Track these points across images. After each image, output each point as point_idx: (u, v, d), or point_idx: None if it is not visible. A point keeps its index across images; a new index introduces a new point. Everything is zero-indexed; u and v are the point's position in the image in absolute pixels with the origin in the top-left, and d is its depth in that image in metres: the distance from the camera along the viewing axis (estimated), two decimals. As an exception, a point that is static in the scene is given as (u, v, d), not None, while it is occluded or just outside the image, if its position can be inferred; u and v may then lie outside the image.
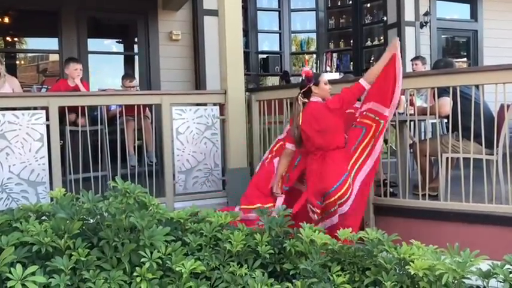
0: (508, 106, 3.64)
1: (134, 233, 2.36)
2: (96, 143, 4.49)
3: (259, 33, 8.72)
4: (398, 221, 3.80)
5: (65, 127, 4.22)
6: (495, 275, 2.03)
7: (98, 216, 2.45)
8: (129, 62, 7.20)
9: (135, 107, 4.33)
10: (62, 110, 4.09)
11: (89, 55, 6.59)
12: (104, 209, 2.40)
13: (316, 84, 3.62)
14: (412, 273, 2.04)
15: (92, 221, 2.51)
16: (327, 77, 3.81)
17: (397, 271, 2.19)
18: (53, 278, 2.01)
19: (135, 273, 2.13)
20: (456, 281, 1.91)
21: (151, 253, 2.20)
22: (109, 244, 2.26)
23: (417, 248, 2.20)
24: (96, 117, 4.56)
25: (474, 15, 8.34)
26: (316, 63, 8.93)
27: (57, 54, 6.54)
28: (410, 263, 2.07)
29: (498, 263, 2.17)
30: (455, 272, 1.89)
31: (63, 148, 4.40)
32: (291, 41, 8.95)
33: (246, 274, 2.21)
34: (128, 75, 5.65)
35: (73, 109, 4.27)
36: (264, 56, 8.82)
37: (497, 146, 3.59)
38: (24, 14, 6.35)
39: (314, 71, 7.96)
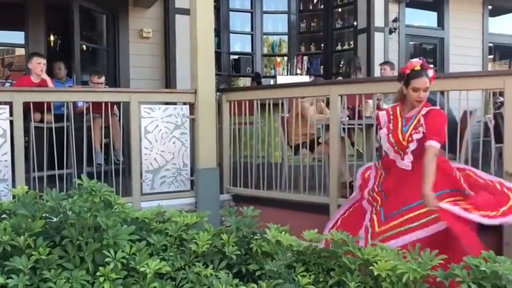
0: (471, 112, 3.75)
1: (98, 232, 2.32)
2: (61, 140, 4.39)
3: (231, 34, 8.72)
4: (363, 223, 3.85)
5: (30, 123, 4.12)
6: (454, 276, 2.09)
7: (62, 215, 2.40)
8: (97, 58, 7.08)
9: (103, 104, 4.26)
10: (26, 106, 3.99)
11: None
12: (68, 207, 2.34)
13: (406, 85, 3.09)
14: (375, 274, 2.08)
15: (55, 219, 2.45)
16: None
17: (361, 272, 2.23)
18: (11, 278, 1.96)
19: (98, 273, 2.09)
20: (417, 281, 1.96)
21: (116, 253, 2.16)
22: (72, 243, 2.21)
23: (381, 249, 2.24)
24: (62, 114, 4.46)
25: (441, 23, 8.57)
26: (287, 65, 9.00)
27: (23, 49, 6.38)
28: (374, 264, 2.10)
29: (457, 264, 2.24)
30: (415, 271, 1.93)
31: (27, 145, 4.29)
32: (262, 43, 8.98)
33: (211, 275, 2.20)
34: (96, 71, 5.55)
35: (38, 106, 4.18)
36: (236, 56, 8.82)
37: (459, 151, 3.70)
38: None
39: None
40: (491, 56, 9.54)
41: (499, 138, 3.82)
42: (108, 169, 4.42)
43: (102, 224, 2.25)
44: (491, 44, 9.13)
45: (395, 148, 3.10)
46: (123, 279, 2.13)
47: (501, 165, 3.44)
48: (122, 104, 4.55)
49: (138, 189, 4.32)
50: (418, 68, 3.00)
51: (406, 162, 3.07)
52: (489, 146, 5.23)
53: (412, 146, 3.02)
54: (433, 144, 2.91)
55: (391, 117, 3.16)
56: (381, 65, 6.35)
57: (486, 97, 6.52)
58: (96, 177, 3.99)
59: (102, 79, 5.41)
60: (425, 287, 2.01)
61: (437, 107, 3.21)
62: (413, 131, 3.02)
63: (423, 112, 3.03)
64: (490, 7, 8.89)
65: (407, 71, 3.04)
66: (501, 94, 3.58)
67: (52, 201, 2.34)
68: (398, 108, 3.16)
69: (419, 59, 3.13)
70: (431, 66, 3.06)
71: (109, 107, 4.33)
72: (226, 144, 4.94)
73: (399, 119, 3.12)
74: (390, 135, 3.11)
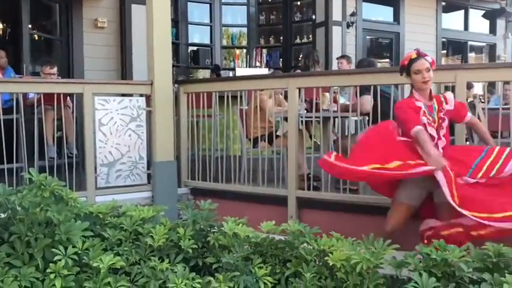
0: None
1: (49, 228, 2.25)
2: (11, 133, 4.22)
3: (189, 25, 8.61)
4: (320, 214, 3.91)
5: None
6: (407, 265, 2.14)
7: (10, 211, 2.30)
8: (50, 48, 6.83)
9: (55, 95, 4.12)
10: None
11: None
12: (16, 202, 2.26)
13: (408, 74, 3.16)
14: (330, 264, 2.10)
15: (3, 215, 2.36)
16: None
17: (317, 262, 2.25)
18: (-45, 277, 1.87)
19: (48, 270, 2.03)
20: (370, 271, 2.00)
21: (66, 249, 2.10)
22: (21, 239, 2.14)
23: (337, 240, 2.28)
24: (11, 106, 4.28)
25: (397, 18, 8.77)
26: (246, 58, 8.98)
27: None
28: (329, 255, 2.13)
29: (411, 253, 2.30)
30: (369, 261, 1.97)
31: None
32: (222, 35, 8.92)
33: (167, 269, 2.18)
34: (48, 61, 5.34)
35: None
36: (195, 48, 8.72)
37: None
38: None
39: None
40: (445, 51, 9.86)
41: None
42: (61, 163, 4.28)
43: (53, 219, 2.18)
44: (444, 39, 9.44)
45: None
46: (75, 275, 2.08)
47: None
48: (75, 95, 4.41)
49: (92, 183, 4.21)
50: (414, 56, 3.13)
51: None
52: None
53: (446, 122, 3.15)
54: (471, 115, 3.20)
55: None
56: (338, 58, 6.43)
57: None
58: (48, 171, 3.87)
59: (55, 70, 5.21)
60: (378, 276, 2.05)
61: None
62: (440, 114, 3.13)
63: (449, 96, 3.21)
64: (443, 3, 9.17)
65: (406, 62, 3.16)
66: (453, 88, 3.69)
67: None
68: (414, 100, 3.16)
69: (414, 50, 3.24)
70: (426, 56, 3.15)
71: (62, 98, 4.19)
72: (184, 137, 4.88)
73: (423, 109, 3.15)
74: (431, 124, 3.14)
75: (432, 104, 3.16)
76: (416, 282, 1.91)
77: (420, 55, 3.14)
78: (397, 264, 2.08)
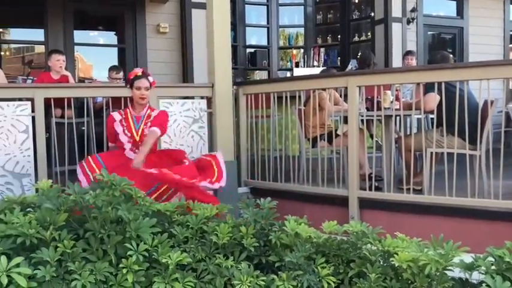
0: (492, 102, 3.69)
1: (120, 225, 2.36)
2: (82, 135, 4.46)
3: (247, 27, 8.70)
4: (383, 215, 3.85)
5: (51, 119, 4.18)
6: (478, 267, 2.07)
7: (84, 209, 2.44)
8: (116, 54, 7.15)
9: (122, 99, 4.31)
10: (48, 102, 4.06)
11: (75, 47, 6.57)
12: (90, 201, 2.39)
13: (131, 87, 3.72)
14: (396, 265, 2.07)
15: (78, 212, 2.50)
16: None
17: (382, 263, 2.22)
18: (39, 269, 2.00)
19: (121, 265, 2.13)
20: (439, 273, 1.95)
21: (138, 245, 2.20)
22: (95, 236, 2.26)
23: (401, 241, 2.23)
24: (83, 109, 4.53)
25: (460, 12, 8.43)
26: (303, 58, 8.95)
27: (43, 46, 6.47)
28: (394, 255, 2.10)
29: (481, 255, 2.21)
30: (438, 263, 1.92)
31: (48, 140, 4.36)
32: (278, 36, 8.94)
33: (232, 266, 2.22)
34: (115, 66, 5.62)
35: (59, 102, 4.24)
36: (252, 50, 8.81)
37: (480, 142, 3.65)
38: (9, 3, 6.25)
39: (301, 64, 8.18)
40: (513, 45, 9.35)
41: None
42: (128, 163, 4.45)
43: (124, 217, 2.28)
44: (512, 32, 8.96)
45: (131, 141, 3.69)
46: (145, 270, 2.17)
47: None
48: (140, 98, 4.57)
49: (157, 182, 4.35)
50: (139, 74, 3.73)
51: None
52: (511, 136, 5.14)
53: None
54: (155, 130, 3.63)
55: (123, 116, 3.76)
56: (406, 55, 6.28)
57: (507, 86, 6.43)
58: (116, 171, 4.04)
59: (121, 74, 5.46)
60: (447, 278, 1.99)
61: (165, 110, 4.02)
62: (144, 127, 3.69)
63: (155, 113, 3.78)
64: (511, -6, 8.71)
65: (131, 77, 3.72)
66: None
67: (74, 195, 2.39)
68: (128, 110, 3.79)
69: (140, 68, 3.95)
70: (149, 76, 3.77)
71: (128, 101, 4.37)
72: (243, 138, 4.95)
73: (130, 118, 3.74)
74: (126, 130, 3.71)
75: (141, 116, 3.74)
76: (488, 286, 1.84)
77: (144, 74, 3.74)
78: (468, 267, 2.02)
